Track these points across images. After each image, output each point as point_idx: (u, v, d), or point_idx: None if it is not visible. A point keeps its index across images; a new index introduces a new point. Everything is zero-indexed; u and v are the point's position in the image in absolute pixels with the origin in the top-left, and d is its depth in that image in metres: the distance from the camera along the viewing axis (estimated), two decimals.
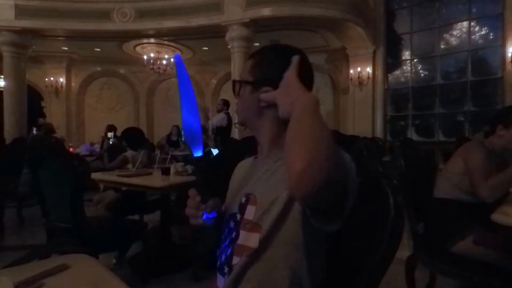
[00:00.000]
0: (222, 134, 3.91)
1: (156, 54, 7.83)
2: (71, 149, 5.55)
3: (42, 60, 8.20)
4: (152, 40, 7.12)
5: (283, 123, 0.66)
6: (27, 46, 6.41)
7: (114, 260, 2.41)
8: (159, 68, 7.87)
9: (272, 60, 0.71)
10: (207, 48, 7.65)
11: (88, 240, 1.86)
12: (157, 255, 2.40)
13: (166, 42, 7.23)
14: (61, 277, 0.61)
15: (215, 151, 2.99)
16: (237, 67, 5.82)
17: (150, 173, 2.59)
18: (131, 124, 7.84)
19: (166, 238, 2.48)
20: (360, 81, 7.22)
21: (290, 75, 0.64)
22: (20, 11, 6.09)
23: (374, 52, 7.18)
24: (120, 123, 6.94)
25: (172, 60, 8.00)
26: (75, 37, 6.86)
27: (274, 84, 0.67)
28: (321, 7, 5.70)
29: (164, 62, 7.92)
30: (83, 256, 0.72)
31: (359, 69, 7.20)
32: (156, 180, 2.34)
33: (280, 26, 6.14)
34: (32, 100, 7.08)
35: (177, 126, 6.86)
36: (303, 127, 0.53)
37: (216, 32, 6.22)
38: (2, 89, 6.80)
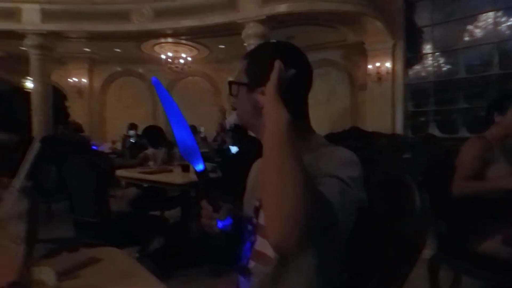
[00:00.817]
0: (239, 131, 3.94)
1: (174, 53, 7.96)
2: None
3: (65, 61, 8.50)
4: (169, 40, 7.23)
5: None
6: (52, 48, 6.68)
7: (136, 254, 2.48)
8: (176, 67, 7.99)
9: (264, 59, 0.68)
10: (223, 46, 7.70)
11: (112, 234, 1.93)
12: (178, 250, 2.45)
13: (183, 41, 7.32)
14: (96, 268, 0.65)
15: (233, 149, 3.02)
16: None
17: (171, 170, 2.66)
18: (150, 122, 7.99)
19: (186, 233, 2.53)
20: (379, 77, 7.06)
21: (269, 86, 0.61)
22: (46, 15, 6.35)
23: (393, 46, 7.00)
24: (140, 121, 7.10)
25: (189, 59, 8.11)
26: (96, 39, 7.06)
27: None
28: (338, 1, 5.61)
29: (182, 61, 8.03)
30: (113, 249, 0.75)
31: (377, 64, 7.04)
32: (176, 177, 2.39)
33: (296, 22, 6.08)
34: (57, 100, 7.35)
35: (194, 126, 6.94)
36: (272, 169, 0.52)
37: (232, 30, 6.25)
38: (28, 90, 7.11)
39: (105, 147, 6.15)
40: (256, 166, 0.86)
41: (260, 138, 0.73)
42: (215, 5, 6.07)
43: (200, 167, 0.65)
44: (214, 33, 6.66)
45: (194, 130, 6.91)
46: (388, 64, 6.99)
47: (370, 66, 7.18)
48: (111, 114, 9.22)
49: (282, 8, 5.62)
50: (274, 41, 0.77)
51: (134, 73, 9.32)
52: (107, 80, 9.22)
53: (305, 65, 0.71)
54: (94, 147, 5.44)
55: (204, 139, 6.55)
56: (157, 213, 2.84)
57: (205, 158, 2.92)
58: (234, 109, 0.77)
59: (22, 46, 6.57)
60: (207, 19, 6.11)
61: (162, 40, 7.24)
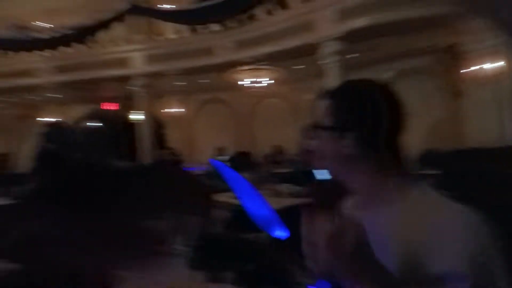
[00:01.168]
0: None
1: (253, 78, 8.38)
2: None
3: (162, 94, 9.78)
4: (247, 66, 7.69)
5: (385, 173, 0.60)
6: (153, 85, 7.84)
7: (231, 277, 2.59)
8: (256, 91, 8.40)
9: (353, 101, 0.64)
10: (300, 66, 7.80)
11: (207, 258, 2.07)
12: (272, 274, 2.48)
13: (262, 66, 7.69)
14: None
15: (319, 173, 2.96)
16: (331, 82, 5.70)
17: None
18: (234, 145, 8.57)
19: (277, 258, 2.55)
20: (482, 80, 6.13)
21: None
22: (152, 59, 7.51)
23: (497, 44, 6.01)
24: (228, 145, 7.68)
25: (268, 82, 8.42)
26: (187, 73, 7.94)
27: (359, 130, 0.60)
28: (425, 6, 5.05)
29: (260, 84, 8.39)
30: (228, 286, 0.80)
31: (479, 66, 6.13)
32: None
33: (378, 33, 5.73)
34: (157, 129, 8.49)
35: (280, 146, 7.14)
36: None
37: (309, 50, 6.26)
38: (134, 122, 8.39)
39: (199, 170, 6.73)
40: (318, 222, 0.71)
41: (349, 189, 0.67)
42: (292, 28, 6.19)
43: (281, 234, 0.63)
44: (291, 55, 6.80)
45: (280, 150, 7.11)
46: (492, 65, 6.03)
47: (468, 70, 6.30)
48: (202, 139, 10.09)
49: (362, 21, 5.31)
50: (361, 79, 0.71)
51: (219, 100, 10.13)
52: (197, 108, 10.25)
53: (396, 103, 0.65)
54: (190, 169, 6.02)
55: (289, 160, 6.60)
56: (249, 236, 2.94)
57: (292, 180, 2.95)
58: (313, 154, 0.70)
59: (129, 86, 7.84)
60: (285, 44, 6.27)
61: (241, 68, 7.74)
